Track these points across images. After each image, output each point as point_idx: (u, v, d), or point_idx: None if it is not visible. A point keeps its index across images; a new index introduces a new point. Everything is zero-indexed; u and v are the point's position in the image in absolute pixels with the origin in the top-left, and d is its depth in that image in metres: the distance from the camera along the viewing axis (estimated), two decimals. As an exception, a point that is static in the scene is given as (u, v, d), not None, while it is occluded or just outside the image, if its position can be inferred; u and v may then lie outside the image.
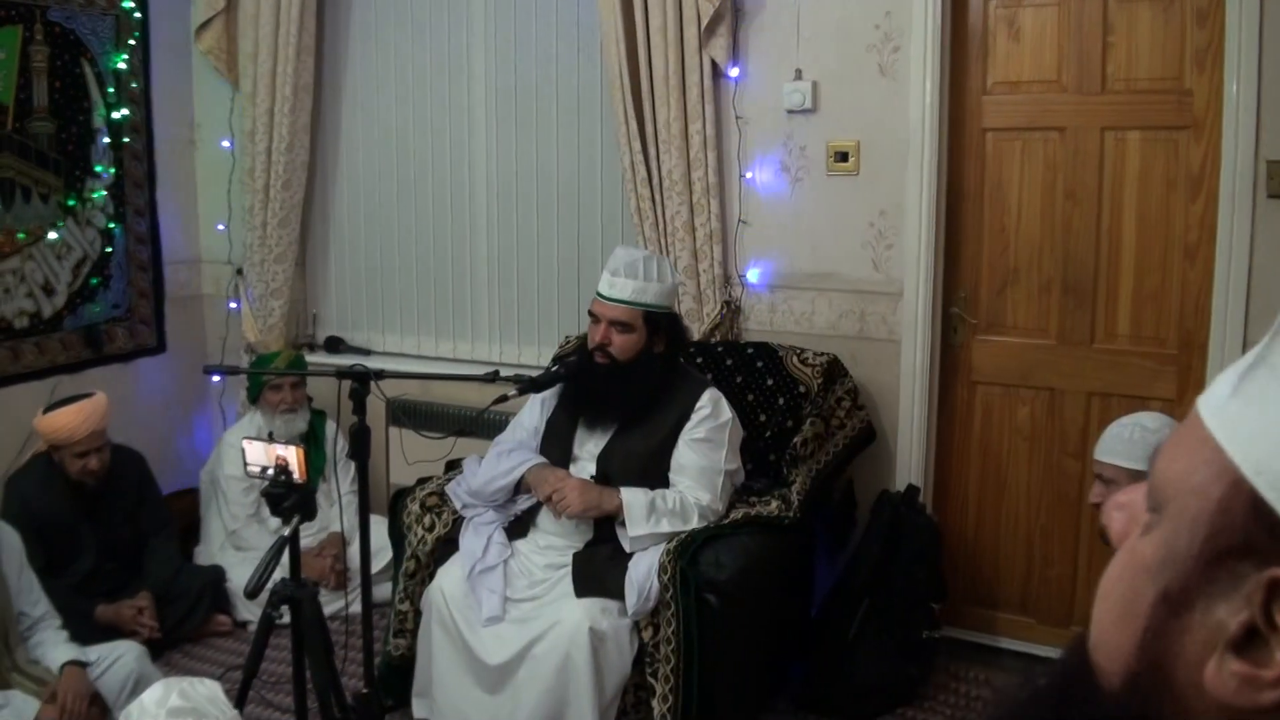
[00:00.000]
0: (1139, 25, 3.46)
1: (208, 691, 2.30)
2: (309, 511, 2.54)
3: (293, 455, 2.56)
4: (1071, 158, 3.59)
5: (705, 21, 3.72)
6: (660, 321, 3.30)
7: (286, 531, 2.48)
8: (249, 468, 2.64)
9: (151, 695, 2.25)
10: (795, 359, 3.69)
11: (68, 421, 3.81)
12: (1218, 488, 0.63)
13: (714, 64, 3.81)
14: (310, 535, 4.34)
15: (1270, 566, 0.59)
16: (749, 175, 3.91)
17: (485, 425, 3.88)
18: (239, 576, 4.20)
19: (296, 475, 2.54)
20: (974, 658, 3.84)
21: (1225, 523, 0.62)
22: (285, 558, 2.58)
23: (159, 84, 4.89)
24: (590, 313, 3.33)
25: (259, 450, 2.60)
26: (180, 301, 5.09)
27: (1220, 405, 0.65)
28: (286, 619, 2.80)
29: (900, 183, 3.70)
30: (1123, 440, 2.65)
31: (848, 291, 3.83)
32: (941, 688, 3.65)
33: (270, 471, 2.57)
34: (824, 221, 3.84)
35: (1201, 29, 3.36)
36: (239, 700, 2.66)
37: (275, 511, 2.55)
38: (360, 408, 2.92)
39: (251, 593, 2.36)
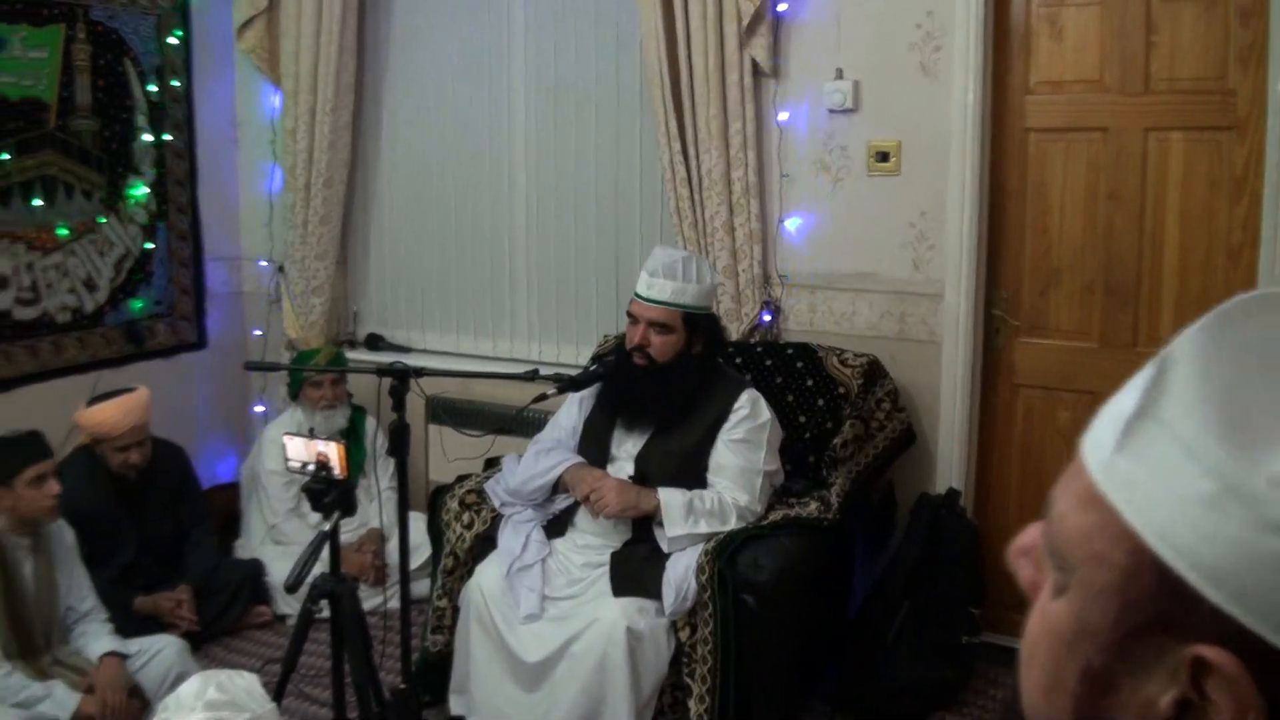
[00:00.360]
0: (1182, 24, 3.41)
1: (245, 684, 2.32)
2: (349, 507, 2.55)
3: (333, 451, 2.57)
4: (1114, 158, 3.55)
5: (746, 21, 3.71)
6: (699, 322, 3.29)
7: (327, 527, 2.49)
8: (289, 463, 2.65)
9: (189, 688, 2.27)
10: (835, 360, 3.67)
11: (110, 415, 3.86)
12: (1119, 554, 0.60)
13: (754, 63, 3.79)
14: (350, 531, 4.36)
15: (1190, 642, 0.57)
16: (790, 175, 3.89)
17: (524, 424, 3.88)
18: (279, 570, 4.23)
19: (337, 471, 2.56)
20: (1012, 664, 3.77)
21: (1135, 596, 0.59)
22: (325, 553, 2.59)
23: (200, 82, 4.95)
24: (628, 313, 3.33)
25: (300, 446, 2.62)
26: (221, 298, 5.15)
27: (1107, 461, 0.62)
28: (326, 614, 2.83)
29: (941, 183, 3.67)
30: None
31: (888, 292, 3.81)
32: (979, 693, 3.62)
33: (311, 467, 2.59)
34: (864, 221, 3.82)
35: (1245, 28, 3.31)
36: (277, 693, 2.68)
37: (316, 507, 2.56)
38: (400, 405, 2.93)
39: (291, 587, 2.38)
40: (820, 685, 3.58)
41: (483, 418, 4.36)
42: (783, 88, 3.85)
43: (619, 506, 3.19)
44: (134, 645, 3.43)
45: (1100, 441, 0.64)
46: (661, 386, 3.28)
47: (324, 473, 2.55)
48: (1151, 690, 0.59)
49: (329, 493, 2.52)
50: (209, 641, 4.04)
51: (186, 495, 4.23)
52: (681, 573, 3.06)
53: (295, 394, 4.42)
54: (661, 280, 3.24)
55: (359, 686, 2.60)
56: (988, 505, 3.87)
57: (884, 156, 3.75)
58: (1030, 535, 0.71)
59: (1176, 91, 3.45)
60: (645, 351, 3.26)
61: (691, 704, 3.05)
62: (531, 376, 3.12)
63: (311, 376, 4.29)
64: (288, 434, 2.70)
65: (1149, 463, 0.60)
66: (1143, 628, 0.59)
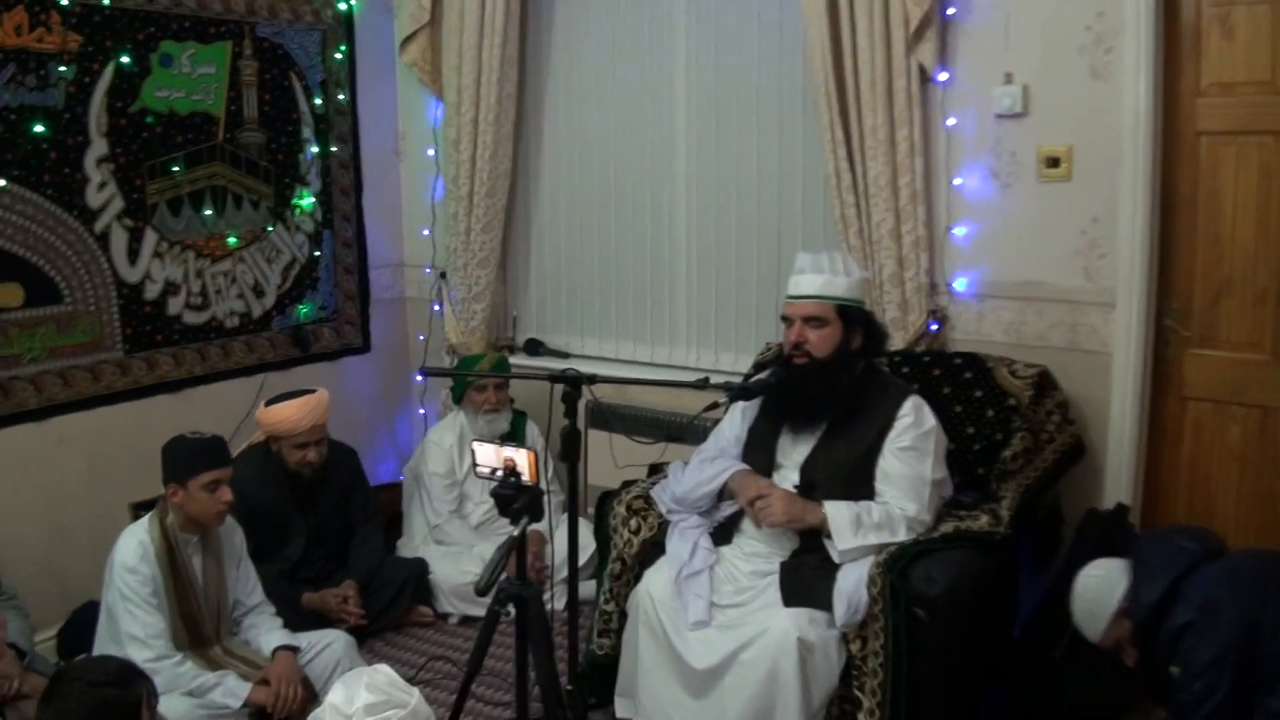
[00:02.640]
0: (1356, 24, 3.28)
1: (385, 677, 2.37)
2: (537, 513, 2.59)
3: (522, 458, 2.62)
4: (1288, 163, 3.43)
5: (914, 26, 3.67)
6: (853, 315, 3.28)
7: (516, 532, 2.54)
8: (478, 469, 2.70)
9: (337, 695, 2.33)
10: (1005, 370, 3.60)
11: (291, 414, 4.01)
12: None
13: (921, 68, 3.75)
14: (508, 534, 4.44)
15: None
16: (957, 181, 3.84)
17: (693, 431, 3.90)
18: (441, 570, 4.34)
19: (526, 477, 2.60)
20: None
21: None
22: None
23: (364, 95, 5.10)
24: (783, 317, 3.34)
25: (489, 452, 2.67)
26: (384, 304, 5.31)
27: None
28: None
29: (1113, 189, 3.58)
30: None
31: (1058, 301, 3.73)
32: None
33: (500, 473, 2.64)
34: (1034, 229, 3.74)
35: None
36: (461, 693, 2.74)
37: (504, 512, 2.61)
38: (572, 411, 2.98)
39: (482, 590, 2.43)
40: (986, 705, 3.52)
41: (641, 423, 4.39)
42: (950, 92, 3.80)
43: (785, 518, 3.19)
44: (303, 639, 3.55)
45: None
46: (826, 383, 3.27)
47: (513, 478, 2.60)
48: None
49: (518, 498, 2.56)
50: (373, 637, 4.14)
51: (355, 494, 4.35)
52: (853, 584, 3.04)
53: (459, 398, 4.51)
54: (809, 275, 3.26)
55: (544, 688, 2.64)
56: (1155, 521, 3.75)
57: (1054, 162, 3.67)
58: None
59: (1351, 93, 3.32)
60: (804, 349, 3.26)
61: (861, 717, 3.02)
62: (703, 385, 3.14)
63: (476, 381, 4.37)
64: (477, 440, 2.75)
65: None
66: None
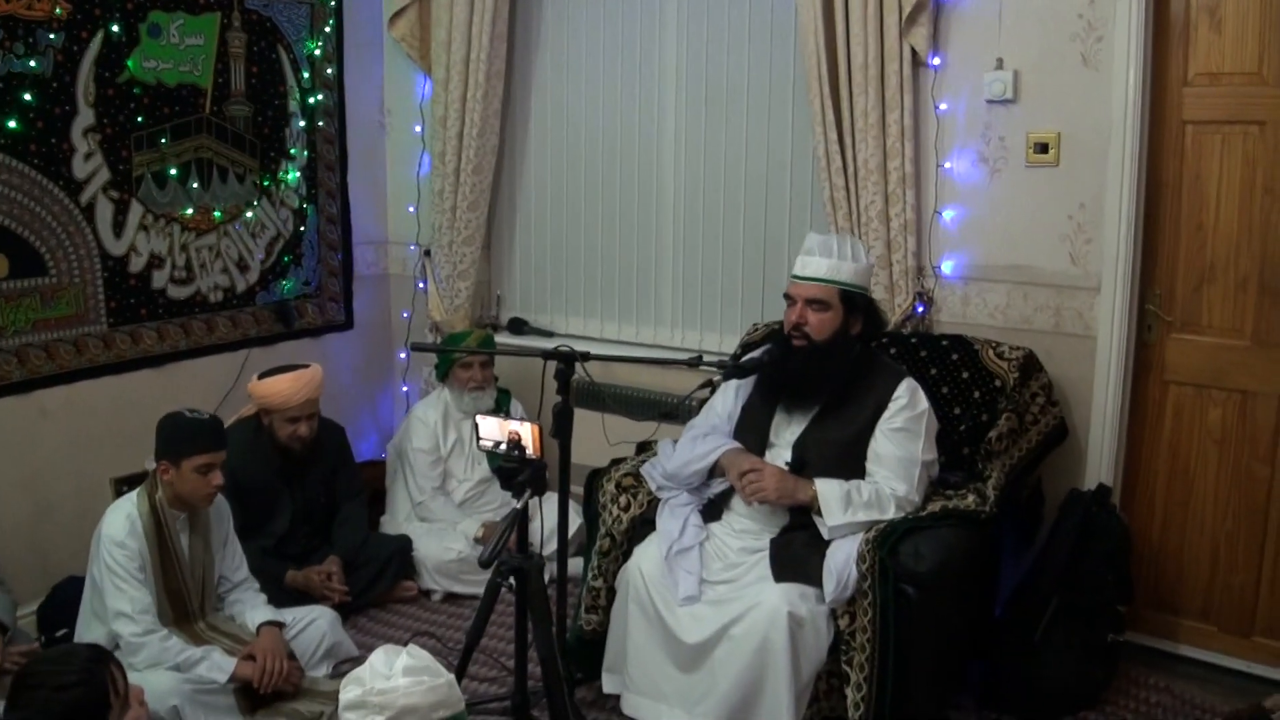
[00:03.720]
0: (1344, 15, 3.33)
1: (426, 655, 2.40)
2: (541, 486, 2.60)
3: (527, 431, 2.62)
4: (1272, 152, 3.47)
5: (907, 10, 3.70)
6: (857, 301, 3.30)
7: (519, 504, 2.55)
8: (481, 442, 2.71)
9: (378, 658, 2.36)
10: (991, 352, 3.64)
11: (285, 388, 4.00)
12: None
13: (914, 53, 3.78)
14: (492, 511, 4.47)
15: None
16: (947, 165, 3.87)
17: (684, 411, 3.92)
18: (424, 546, 4.34)
19: (530, 451, 2.61)
20: (1154, 663, 3.75)
21: None
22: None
23: (351, 70, 5.07)
24: (786, 295, 3.36)
25: (493, 425, 2.68)
26: (368, 280, 5.29)
27: None
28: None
29: (1101, 176, 3.63)
30: None
31: (1044, 285, 3.77)
32: (1121, 693, 3.58)
33: (504, 446, 2.64)
34: (1022, 214, 3.78)
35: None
36: (460, 666, 2.75)
37: (506, 486, 2.63)
38: (565, 388, 2.99)
39: (486, 563, 2.44)
40: (968, 682, 3.57)
41: (626, 402, 4.40)
42: (942, 77, 3.83)
43: (776, 494, 3.22)
44: (288, 615, 3.56)
45: None
46: (821, 366, 3.29)
47: (516, 452, 2.61)
48: None
49: (521, 471, 2.57)
50: (357, 613, 4.14)
51: (342, 470, 4.34)
52: (843, 561, 3.07)
53: (444, 375, 4.51)
54: (817, 258, 3.28)
55: (544, 662, 2.65)
56: (1134, 503, 3.82)
57: (1043, 148, 3.71)
58: None
59: (1337, 85, 3.37)
60: (803, 331, 3.28)
61: (849, 692, 3.06)
62: (696, 363, 3.16)
63: (462, 358, 4.37)
64: (480, 414, 2.76)
65: None
66: None
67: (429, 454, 4.48)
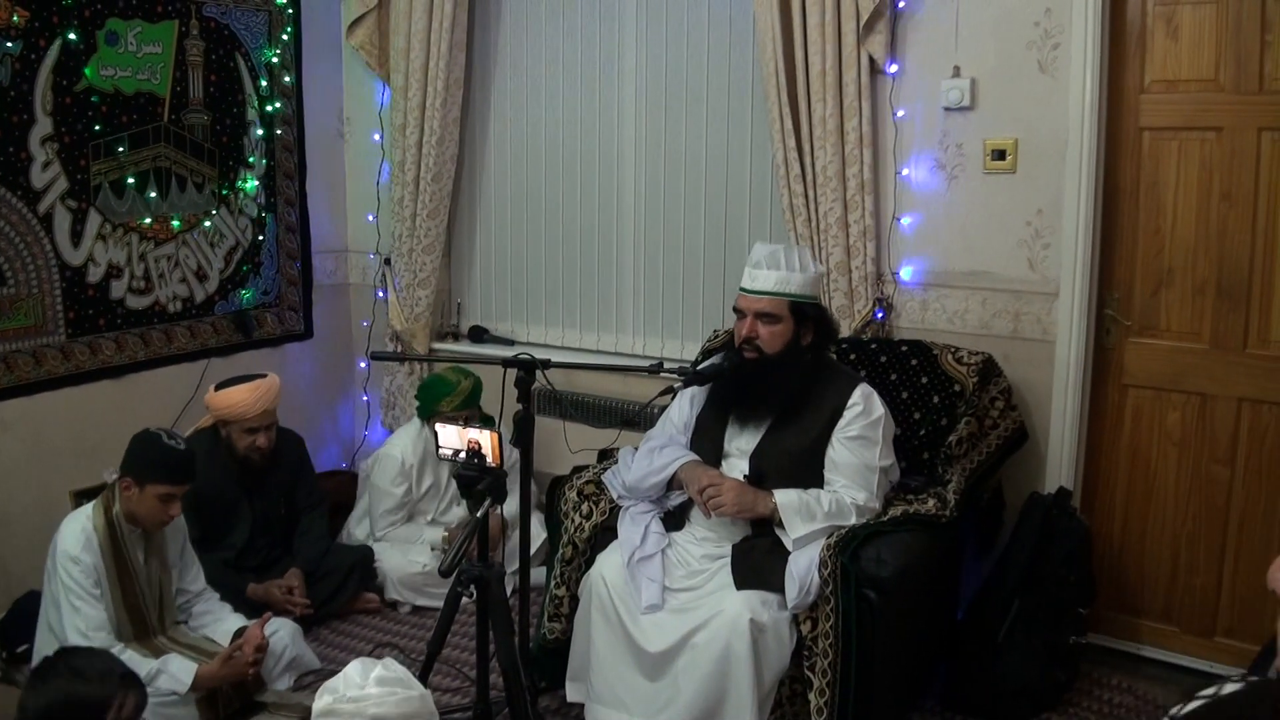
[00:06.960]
0: (1297, 24, 3.37)
1: (401, 669, 2.38)
2: (501, 494, 2.59)
3: (486, 439, 2.61)
4: (1228, 158, 3.51)
5: (865, 18, 3.72)
6: (807, 311, 3.30)
7: (479, 514, 2.53)
8: (441, 450, 2.69)
9: (353, 670, 2.34)
10: (950, 357, 3.67)
11: (242, 399, 3.95)
12: None
13: (871, 60, 3.80)
14: (451, 520, 4.44)
15: None
16: (905, 172, 3.89)
17: (646, 418, 3.91)
18: (389, 560, 4.31)
19: (490, 459, 2.59)
20: (1116, 664, 3.78)
21: None
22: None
23: (310, 78, 5.05)
24: (735, 309, 3.35)
25: (452, 434, 2.66)
26: (327, 289, 5.26)
27: None
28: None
29: (1058, 182, 3.66)
30: None
31: (1002, 291, 3.80)
32: (1084, 694, 3.61)
33: (463, 455, 2.63)
34: (980, 220, 3.81)
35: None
36: (423, 675, 2.73)
37: (466, 494, 2.61)
38: (526, 396, 2.97)
39: (446, 572, 2.42)
40: (931, 684, 3.59)
41: (586, 409, 4.38)
42: (900, 84, 3.85)
43: (735, 507, 3.21)
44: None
45: None
46: (773, 378, 3.29)
47: (476, 460, 2.60)
48: None
49: (481, 480, 2.56)
50: (319, 625, 4.10)
51: (301, 480, 4.30)
52: (805, 566, 3.07)
53: (426, 416, 4.35)
54: (765, 271, 3.27)
55: (505, 670, 2.64)
56: (1094, 505, 3.85)
57: (1000, 155, 3.74)
58: None
59: (1292, 91, 3.40)
60: (754, 344, 3.28)
61: (811, 697, 3.05)
62: (656, 370, 3.16)
63: (448, 410, 4.23)
64: (440, 422, 2.73)
65: None
66: None
67: (392, 497, 4.39)
